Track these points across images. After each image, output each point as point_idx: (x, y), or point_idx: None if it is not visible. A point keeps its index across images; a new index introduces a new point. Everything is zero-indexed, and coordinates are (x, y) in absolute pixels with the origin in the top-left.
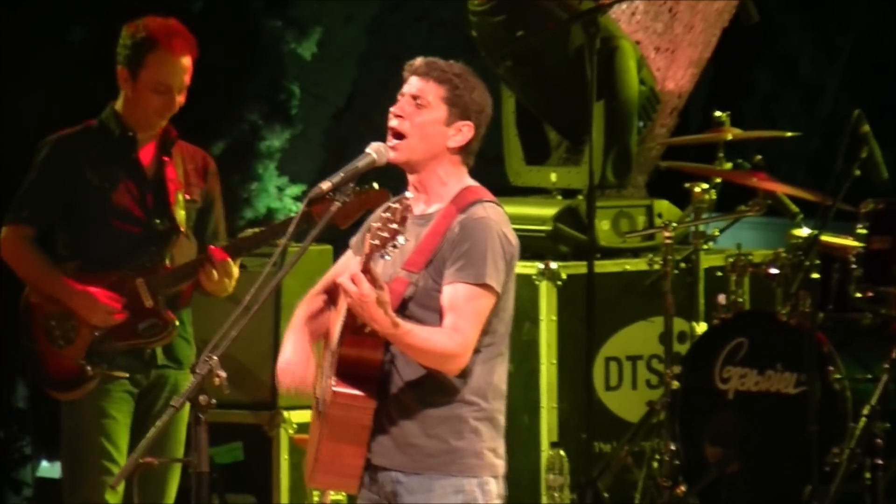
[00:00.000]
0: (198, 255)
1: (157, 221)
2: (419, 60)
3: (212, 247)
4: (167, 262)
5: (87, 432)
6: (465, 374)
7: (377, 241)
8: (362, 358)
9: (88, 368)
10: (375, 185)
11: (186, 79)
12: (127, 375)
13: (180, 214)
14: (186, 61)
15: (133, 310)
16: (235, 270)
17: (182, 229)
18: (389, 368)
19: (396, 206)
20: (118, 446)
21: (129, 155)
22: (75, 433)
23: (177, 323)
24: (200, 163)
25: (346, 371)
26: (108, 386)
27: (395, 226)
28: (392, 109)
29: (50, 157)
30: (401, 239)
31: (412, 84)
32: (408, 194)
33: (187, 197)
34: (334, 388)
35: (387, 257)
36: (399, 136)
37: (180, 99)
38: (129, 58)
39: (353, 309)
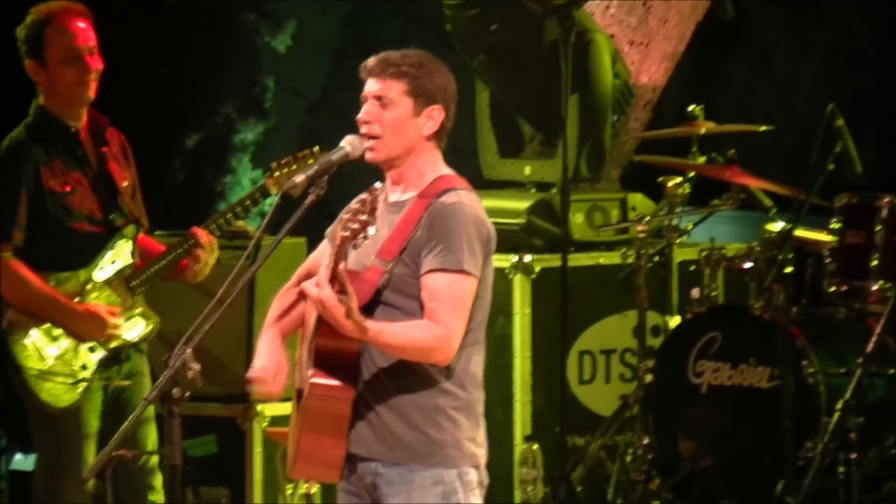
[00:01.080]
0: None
1: (112, 217)
2: (371, 61)
3: (195, 228)
4: (136, 258)
5: (66, 445)
6: None
7: (348, 233)
8: (339, 348)
9: (80, 380)
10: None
11: (91, 42)
12: (128, 383)
13: (131, 204)
14: (84, 24)
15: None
16: (217, 251)
17: (144, 221)
18: (367, 357)
19: (366, 196)
20: (96, 452)
21: (76, 153)
22: (55, 447)
23: (158, 319)
24: (119, 143)
25: (324, 362)
26: (86, 395)
27: (364, 217)
28: (359, 116)
29: (12, 171)
30: (371, 230)
31: (371, 86)
32: (377, 184)
33: (125, 183)
34: (311, 380)
35: (358, 248)
36: (373, 138)
37: (96, 62)
38: (30, 48)
39: (319, 313)
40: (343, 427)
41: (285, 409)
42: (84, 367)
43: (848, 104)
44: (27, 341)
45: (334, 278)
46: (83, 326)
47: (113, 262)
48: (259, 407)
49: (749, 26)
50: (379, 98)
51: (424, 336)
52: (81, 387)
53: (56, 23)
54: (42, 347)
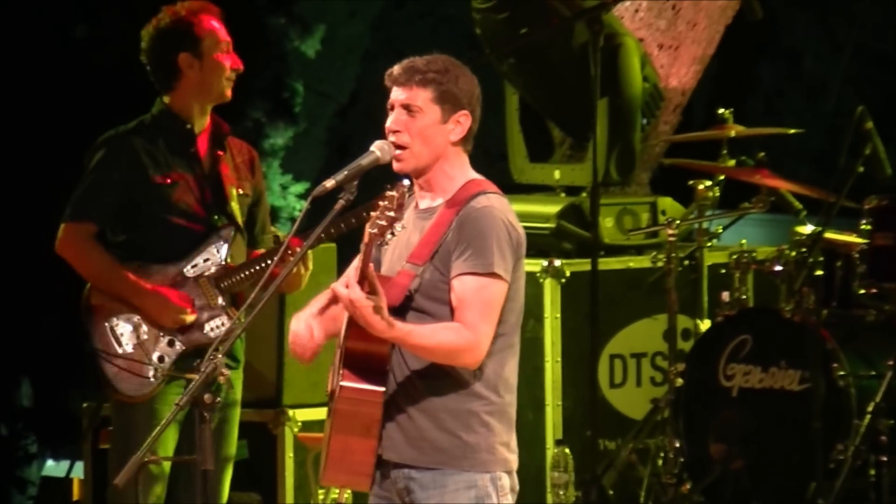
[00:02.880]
0: (246, 249)
1: (216, 218)
2: (396, 69)
3: (292, 238)
4: (228, 259)
5: (136, 434)
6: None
7: (375, 230)
8: (369, 351)
9: (156, 371)
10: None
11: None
12: (196, 377)
13: (236, 210)
14: (220, 24)
15: (199, 310)
16: (310, 264)
17: (265, 237)
18: (398, 361)
19: (392, 193)
20: (166, 450)
21: (187, 149)
22: (125, 434)
23: (242, 320)
24: (248, 156)
25: (354, 365)
26: (164, 388)
27: (391, 213)
28: (387, 126)
29: (110, 155)
30: (398, 226)
31: (398, 94)
32: (405, 181)
33: (240, 191)
34: (342, 383)
35: (385, 246)
36: (402, 147)
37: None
38: (182, 42)
39: (349, 314)
40: (374, 430)
41: (317, 414)
42: (161, 359)
43: (876, 105)
44: (107, 325)
45: (363, 278)
46: (149, 304)
47: (205, 260)
48: (291, 412)
49: (777, 28)
50: (406, 107)
51: (453, 338)
52: (156, 377)
53: (204, 19)
54: (122, 334)
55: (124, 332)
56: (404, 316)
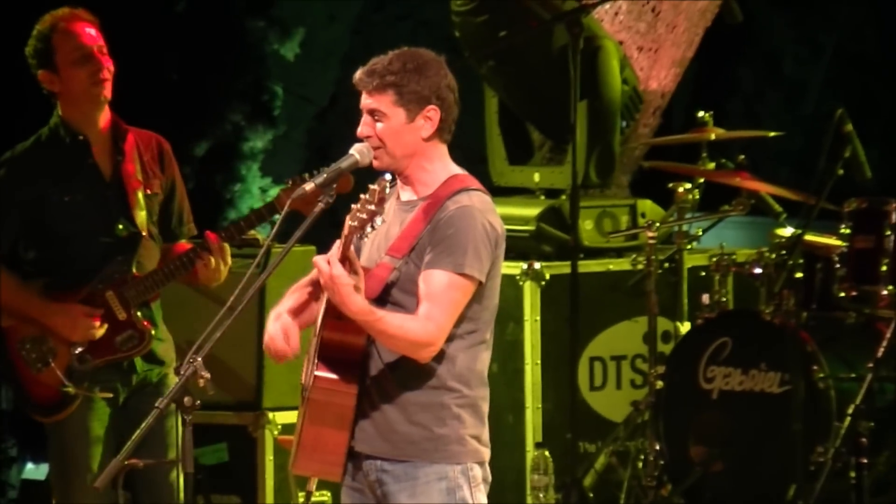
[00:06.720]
0: (162, 247)
1: (120, 227)
2: (358, 75)
3: (208, 232)
4: (133, 269)
5: (72, 451)
6: (447, 361)
7: (356, 223)
8: (344, 342)
9: (70, 390)
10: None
11: (100, 41)
12: (111, 395)
13: (141, 216)
14: (89, 27)
15: (108, 324)
16: (229, 258)
17: (144, 233)
18: (372, 353)
19: (374, 187)
20: (104, 463)
21: (84, 161)
22: (61, 452)
23: (153, 332)
24: (156, 149)
25: (329, 355)
26: (93, 403)
27: (372, 207)
28: (357, 133)
29: (7, 178)
30: (378, 220)
31: (364, 100)
32: (387, 175)
33: (148, 192)
34: (316, 373)
35: (365, 239)
36: (377, 148)
37: (107, 62)
38: (40, 59)
39: (326, 291)
40: (346, 421)
41: (297, 416)
42: (72, 376)
43: (856, 108)
44: (18, 346)
45: (345, 259)
46: (58, 321)
47: (112, 272)
48: (270, 415)
49: (757, 30)
50: (372, 112)
51: (419, 331)
52: (68, 398)
53: (62, 28)
54: (30, 352)
55: (36, 354)
56: (381, 308)
